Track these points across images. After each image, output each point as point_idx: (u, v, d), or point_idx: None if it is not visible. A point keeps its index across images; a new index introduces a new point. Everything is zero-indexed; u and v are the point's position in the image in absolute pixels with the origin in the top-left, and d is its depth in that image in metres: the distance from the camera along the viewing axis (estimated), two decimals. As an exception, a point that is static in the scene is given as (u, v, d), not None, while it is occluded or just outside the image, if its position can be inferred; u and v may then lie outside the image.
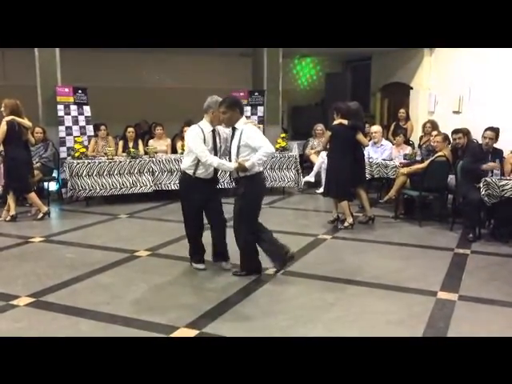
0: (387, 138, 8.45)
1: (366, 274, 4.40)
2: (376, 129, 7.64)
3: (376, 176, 7.14)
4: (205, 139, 4.23)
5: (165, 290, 4.03)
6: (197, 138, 4.22)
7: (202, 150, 4.16)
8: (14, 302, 3.72)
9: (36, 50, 7.93)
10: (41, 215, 6.45)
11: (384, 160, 7.16)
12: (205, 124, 4.30)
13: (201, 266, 4.50)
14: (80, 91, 8.28)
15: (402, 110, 9.16)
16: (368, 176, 7.00)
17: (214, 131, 4.30)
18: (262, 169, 4.27)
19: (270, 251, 4.34)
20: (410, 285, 4.12)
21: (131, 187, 7.55)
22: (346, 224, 6.00)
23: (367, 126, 9.27)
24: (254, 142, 4.09)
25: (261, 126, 4.27)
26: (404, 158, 6.98)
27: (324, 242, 5.49)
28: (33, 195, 6.51)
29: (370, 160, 7.18)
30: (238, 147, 4.12)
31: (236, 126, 4.17)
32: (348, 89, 11.00)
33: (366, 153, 7.42)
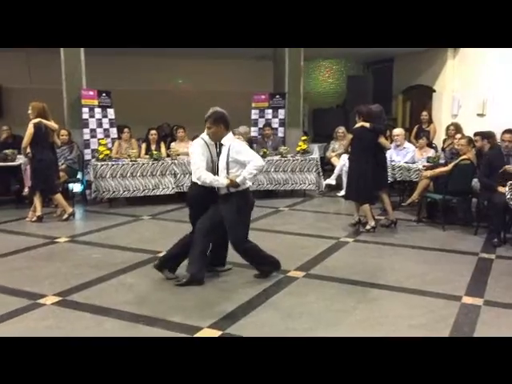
0: (410, 141, 8.38)
1: (388, 278, 4.38)
2: (398, 131, 7.58)
3: (398, 179, 7.10)
4: (210, 150, 4.23)
5: (188, 291, 4.07)
6: (198, 152, 4.20)
7: (198, 167, 4.15)
8: (41, 301, 3.81)
9: (62, 53, 8.10)
10: (66, 216, 6.57)
11: (406, 163, 7.11)
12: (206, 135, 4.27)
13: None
14: (104, 94, 8.43)
15: (424, 113, 9.08)
16: (390, 179, 6.96)
17: (220, 145, 4.22)
18: (250, 184, 4.29)
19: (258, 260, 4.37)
20: (434, 289, 4.08)
21: (154, 189, 7.64)
22: (367, 227, 5.97)
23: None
24: (243, 157, 4.09)
25: (244, 141, 4.22)
26: (427, 161, 6.92)
27: (346, 245, 5.48)
28: (59, 196, 6.64)
29: (393, 163, 7.13)
30: (227, 163, 4.11)
31: (222, 141, 4.14)
32: (370, 91, 10.94)
33: (388, 156, 7.38)
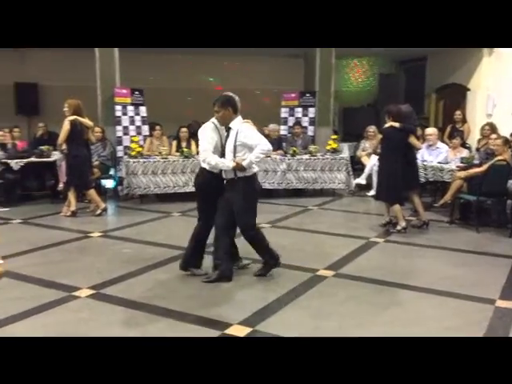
0: (443, 141, 8.22)
1: (419, 279, 4.31)
2: (431, 131, 7.46)
3: (431, 179, 6.98)
4: (220, 134, 4.21)
5: (217, 287, 4.10)
6: (206, 135, 4.19)
7: (205, 149, 4.15)
8: (76, 294, 3.91)
9: (97, 52, 8.27)
10: (99, 211, 6.72)
11: (439, 163, 6.98)
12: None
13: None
14: (137, 92, 8.57)
15: (458, 112, 8.90)
16: (422, 179, 6.86)
17: (228, 128, 4.18)
18: (257, 169, 4.26)
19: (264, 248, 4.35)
20: (467, 292, 4.00)
21: (184, 186, 7.72)
22: (398, 228, 5.90)
23: (419, 128, 9.09)
24: (250, 140, 4.06)
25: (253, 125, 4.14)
26: (461, 162, 6.78)
27: (376, 245, 5.42)
28: (92, 192, 6.79)
29: (425, 163, 7.02)
30: (234, 147, 4.09)
31: (231, 125, 4.12)
32: (401, 90, 10.80)
33: (420, 156, 7.27)
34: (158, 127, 8.44)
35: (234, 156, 4.09)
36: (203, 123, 4.21)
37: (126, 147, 8.21)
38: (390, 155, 5.85)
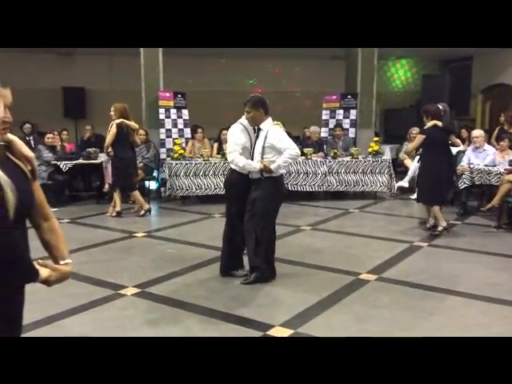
0: (490, 143, 7.97)
1: (465, 285, 4.20)
2: (478, 133, 7.24)
3: (477, 183, 6.77)
4: (249, 135, 4.22)
5: (259, 288, 4.13)
6: (235, 136, 4.21)
7: (232, 150, 4.15)
8: (122, 292, 4.02)
9: (141, 56, 8.48)
10: (143, 212, 6.88)
11: (486, 166, 6.77)
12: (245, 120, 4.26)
13: None
14: (179, 96, 8.73)
15: (507, 114, 8.59)
16: (468, 183, 6.68)
17: (258, 129, 4.18)
18: (284, 171, 4.22)
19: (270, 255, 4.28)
20: (516, 299, 3.87)
21: (225, 188, 7.79)
22: (439, 229, 5.76)
23: (463, 130, 8.86)
24: (279, 144, 4.03)
25: (283, 127, 4.14)
26: (509, 165, 6.55)
27: (420, 249, 5.32)
28: (136, 193, 6.96)
29: (471, 166, 6.83)
30: (263, 148, 4.07)
31: (261, 126, 4.10)
32: (446, 91, 10.51)
33: (466, 158, 7.09)
34: (199, 130, 8.57)
35: (262, 157, 4.09)
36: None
37: (169, 149, 8.37)
38: (434, 155, 5.74)
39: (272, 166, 4.03)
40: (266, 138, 4.08)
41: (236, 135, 4.22)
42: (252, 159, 4.16)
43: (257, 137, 4.17)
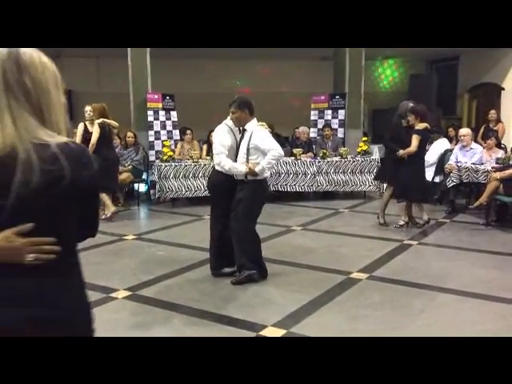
0: (476, 141, 8.06)
1: (455, 282, 4.24)
2: (465, 132, 7.32)
3: (465, 181, 6.84)
4: (234, 135, 4.25)
5: (251, 289, 4.13)
6: (220, 137, 4.23)
7: (218, 152, 4.17)
8: (113, 295, 4.00)
9: (129, 58, 8.44)
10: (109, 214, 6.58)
11: (474, 164, 6.84)
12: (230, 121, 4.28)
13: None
14: (168, 97, 8.70)
15: (493, 111, 8.71)
16: (456, 181, 6.75)
17: (243, 130, 4.19)
18: (268, 174, 4.28)
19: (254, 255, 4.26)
20: (505, 295, 3.91)
21: (215, 189, 7.78)
22: (400, 223, 6.11)
23: (450, 128, 8.94)
24: (263, 145, 4.06)
25: (268, 129, 4.21)
26: (496, 163, 6.63)
27: (410, 247, 5.35)
28: (104, 196, 6.55)
29: (459, 164, 6.89)
30: (248, 149, 4.10)
31: (246, 127, 4.13)
32: (433, 90, 10.61)
33: (453, 157, 7.16)
34: (188, 131, 8.54)
35: (247, 158, 4.11)
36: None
37: (158, 151, 8.33)
38: (422, 156, 5.97)
39: (256, 169, 4.05)
40: (250, 138, 4.10)
41: (222, 136, 4.23)
42: (236, 160, 4.17)
43: (242, 137, 4.18)
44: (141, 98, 8.49)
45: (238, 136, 4.24)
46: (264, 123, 4.47)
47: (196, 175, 7.74)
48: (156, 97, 8.54)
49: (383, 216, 6.31)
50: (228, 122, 4.26)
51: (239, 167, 4.10)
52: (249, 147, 4.10)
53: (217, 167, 4.28)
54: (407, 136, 5.88)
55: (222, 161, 4.15)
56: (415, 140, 5.80)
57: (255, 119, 4.19)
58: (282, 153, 4.21)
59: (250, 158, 4.10)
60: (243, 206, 4.13)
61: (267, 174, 4.25)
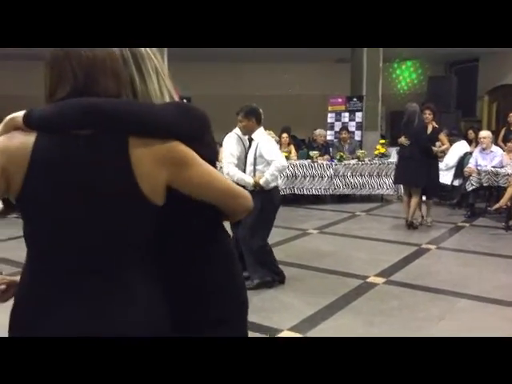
0: (497, 144, 7.93)
1: (475, 288, 4.16)
2: (485, 134, 7.20)
3: (485, 184, 6.73)
4: (243, 144, 4.27)
5: (266, 292, 4.11)
6: (230, 147, 4.25)
7: (228, 162, 4.19)
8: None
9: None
10: None
11: (494, 167, 6.73)
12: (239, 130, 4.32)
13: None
14: (185, 100, 8.74)
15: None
16: (476, 184, 6.65)
17: (250, 139, 4.22)
18: (278, 182, 4.26)
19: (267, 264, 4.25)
20: (526, 301, 3.83)
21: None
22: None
23: (470, 131, 8.80)
24: (267, 155, 4.07)
25: (275, 137, 4.23)
26: (517, 166, 6.52)
27: (428, 251, 5.28)
28: None
29: (479, 167, 6.79)
30: (255, 158, 4.12)
31: (253, 136, 4.15)
32: (452, 92, 10.49)
33: (473, 160, 7.06)
34: (205, 134, 8.56)
35: (255, 167, 4.14)
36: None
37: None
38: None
39: (261, 181, 4.07)
40: (256, 148, 4.13)
41: (231, 146, 4.27)
42: (245, 168, 4.22)
43: (249, 146, 4.23)
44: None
45: (247, 145, 4.28)
46: (271, 132, 4.49)
47: (212, 178, 7.75)
48: (173, 100, 8.59)
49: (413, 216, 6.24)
50: (237, 130, 4.31)
51: (246, 178, 4.14)
52: (255, 156, 4.15)
53: (226, 176, 4.29)
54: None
55: (230, 171, 4.19)
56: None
57: (262, 128, 4.23)
58: (285, 164, 4.26)
59: (257, 167, 4.15)
60: (254, 215, 4.13)
61: (275, 183, 4.25)
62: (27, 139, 1.13)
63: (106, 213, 1.17)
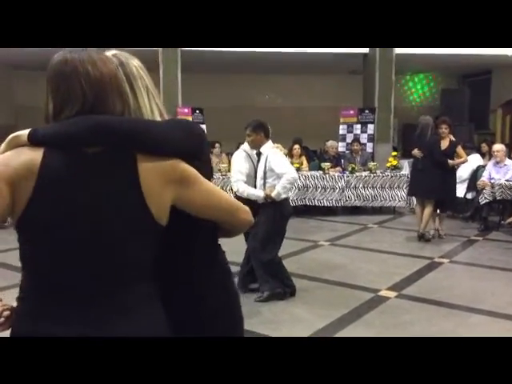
0: (510, 158, 7.86)
1: (488, 303, 4.11)
2: (499, 147, 7.15)
3: (498, 198, 6.67)
4: (252, 160, 4.29)
5: (277, 304, 4.10)
6: (238, 164, 4.27)
7: (236, 180, 4.21)
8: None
9: (161, 73, 8.61)
10: None
11: (508, 181, 6.67)
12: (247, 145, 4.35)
13: None
14: (197, 111, 8.81)
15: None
16: (489, 198, 6.60)
17: (258, 154, 4.23)
18: (289, 194, 4.28)
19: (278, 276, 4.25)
20: (541, 318, 3.77)
21: (242, 203, 7.80)
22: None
23: (483, 144, 8.75)
24: (277, 168, 4.07)
25: (284, 150, 4.28)
26: (531, 179, 6.45)
27: (440, 265, 5.23)
28: None
29: (492, 181, 6.73)
30: (264, 173, 4.13)
31: (261, 150, 4.16)
32: (465, 105, 10.44)
33: (486, 173, 7.00)
34: (217, 145, 8.62)
35: (265, 182, 4.15)
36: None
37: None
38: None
39: (272, 194, 4.08)
40: (266, 162, 4.14)
41: (239, 163, 4.29)
42: (256, 183, 4.23)
43: (258, 161, 4.24)
44: (171, 112, 8.60)
45: (256, 161, 4.29)
46: (279, 145, 4.51)
47: (224, 188, 7.77)
48: (186, 110, 8.66)
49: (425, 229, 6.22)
50: (245, 147, 4.33)
51: (256, 193, 4.16)
52: (265, 170, 4.15)
53: (237, 193, 4.32)
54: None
55: (239, 188, 4.20)
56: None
57: (270, 141, 4.25)
58: (296, 176, 4.27)
59: (267, 180, 4.16)
60: (262, 229, 4.14)
61: (286, 195, 4.25)
62: (35, 155, 1.12)
63: (113, 232, 1.15)
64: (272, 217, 4.15)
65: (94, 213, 1.13)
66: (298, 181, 7.82)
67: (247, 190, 4.17)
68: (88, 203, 1.13)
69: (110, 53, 1.33)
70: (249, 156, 4.30)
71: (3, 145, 1.17)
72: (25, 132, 1.16)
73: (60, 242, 1.13)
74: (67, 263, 1.14)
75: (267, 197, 4.11)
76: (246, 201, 4.21)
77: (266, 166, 4.14)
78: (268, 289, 4.19)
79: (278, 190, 4.08)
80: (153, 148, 1.17)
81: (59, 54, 1.20)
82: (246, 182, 4.22)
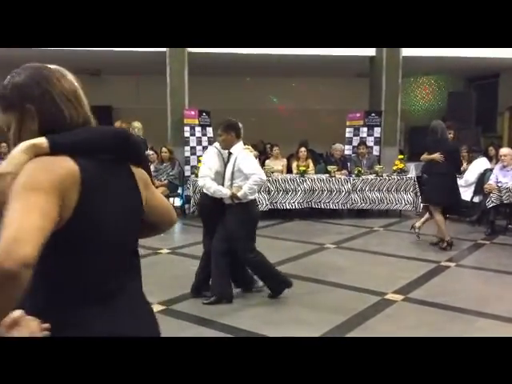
0: (518, 161, 7.81)
1: (495, 307, 4.09)
2: (506, 151, 7.11)
3: (506, 201, 6.64)
4: (223, 158, 4.28)
5: (283, 307, 4.11)
6: (208, 161, 4.28)
7: (204, 175, 4.20)
8: (147, 308, 4.04)
9: (168, 75, 8.64)
10: None
11: (515, 185, 6.64)
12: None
13: None
14: (204, 114, 8.84)
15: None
16: (496, 201, 6.56)
17: (229, 153, 4.23)
18: (255, 196, 4.25)
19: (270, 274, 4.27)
20: (549, 322, 3.75)
21: (248, 205, 7.81)
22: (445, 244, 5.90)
23: (491, 147, 8.70)
24: (245, 169, 4.06)
25: (254, 152, 4.27)
26: (539, 183, 6.42)
27: (447, 269, 5.21)
28: None
29: (499, 184, 6.71)
30: (232, 173, 4.12)
31: (232, 150, 4.15)
32: (472, 108, 10.40)
33: (494, 177, 6.97)
34: (223, 147, 8.63)
35: (232, 182, 4.13)
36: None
37: (194, 167, 8.45)
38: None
39: (239, 194, 4.07)
40: (235, 162, 4.14)
41: (210, 160, 4.29)
42: (223, 183, 4.21)
43: (228, 161, 4.23)
44: (178, 114, 8.66)
45: (226, 159, 4.28)
46: (249, 147, 4.52)
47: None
48: (193, 113, 8.69)
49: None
50: (217, 145, 4.32)
51: (223, 190, 4.15)
52: (233, 171, 4.14)
53: (203, 190, 4.32)
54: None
55: (206, 183, 4.18)
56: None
57: (241, 142, 4.24)
58: (264, 178, 4.25)
59: (234, 181, 4.14)
60: (229, 230, 4.16)
61: (252, 197, 4.24)
62: (69, 164, 1.15)
63: (133, 230, 1.36)
64: (238, 218, 4.14)
65: (126, 215, 1.29)
66: (306, 183, 7.83)
67: (213, 187, 4.14)
68: (119, 208, 1.26)
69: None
70: (220, 154, 4.28)
71: (21, 153, 1.14)
72: (41, 141, 1.16)
73: (109, 247, 1.25)
74: (113, 266, 1.28)
75: (233, 196, 4.09)
76: (211, 200, 4.22)
77: (234, 167, 4.13)
78: (218, 293, 4.18)
79: (245, 190, 4.06)
80: (138, 158, 1.37)
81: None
82: (214, 180, 4.18)
